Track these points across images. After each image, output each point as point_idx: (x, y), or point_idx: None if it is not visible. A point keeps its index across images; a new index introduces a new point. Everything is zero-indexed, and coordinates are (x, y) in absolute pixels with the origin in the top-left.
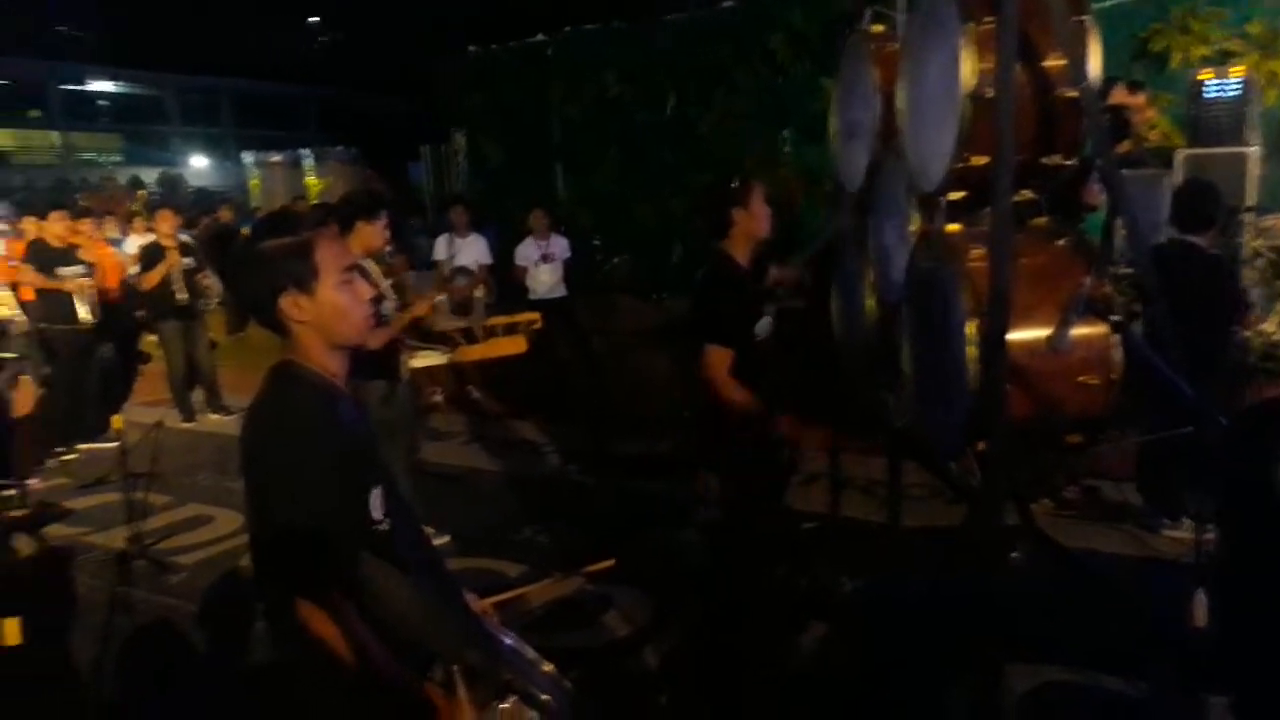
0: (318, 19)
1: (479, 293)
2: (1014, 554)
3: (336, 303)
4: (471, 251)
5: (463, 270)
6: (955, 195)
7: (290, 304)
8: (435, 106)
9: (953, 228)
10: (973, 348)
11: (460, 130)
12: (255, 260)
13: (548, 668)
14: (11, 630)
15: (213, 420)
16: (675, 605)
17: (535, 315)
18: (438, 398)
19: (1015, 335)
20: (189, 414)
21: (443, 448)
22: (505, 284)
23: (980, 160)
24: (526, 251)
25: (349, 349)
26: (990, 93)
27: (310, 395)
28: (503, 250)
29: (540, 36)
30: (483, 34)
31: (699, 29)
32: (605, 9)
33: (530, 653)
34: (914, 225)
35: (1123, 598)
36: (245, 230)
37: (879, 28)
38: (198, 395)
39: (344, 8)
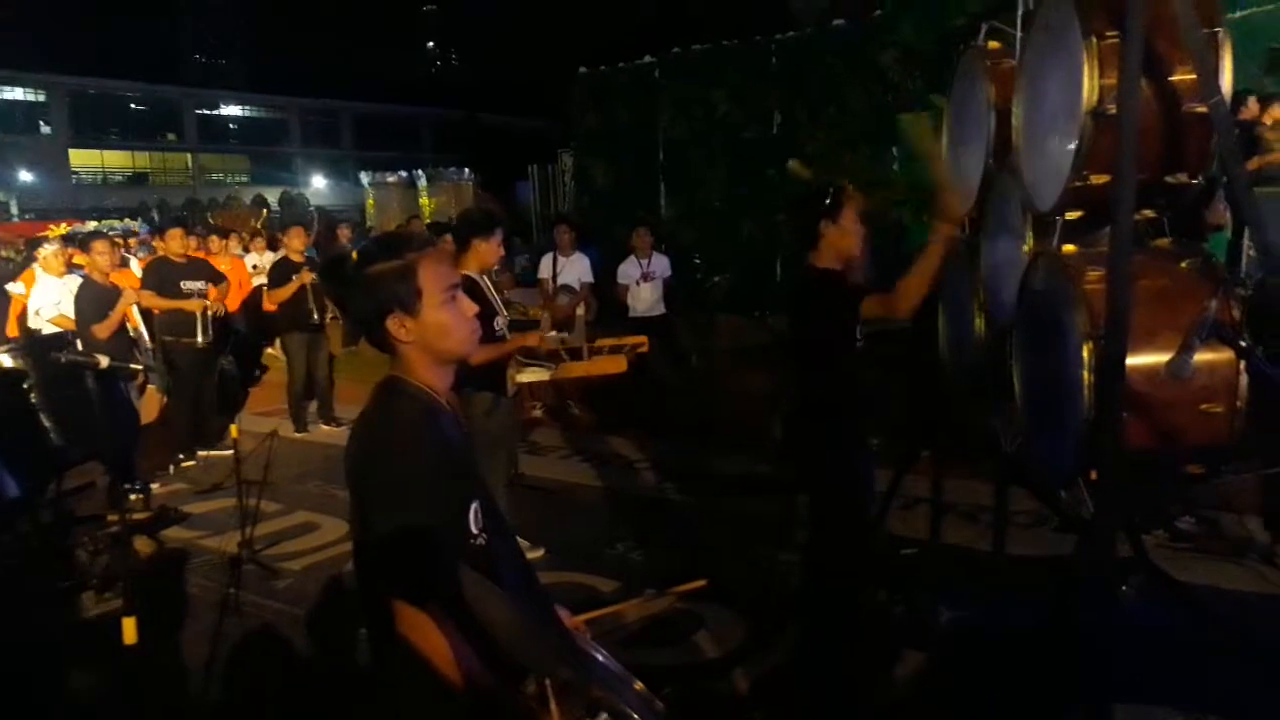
0: (434, 44)
1: (580, 310)
2: (1125, 588)
3: (440, 321)
4: (575, 270)
5: (565, 288)
6: (1072, 215)
7: (396, 325)
8: (545, 128)
9: (1069, 248)
10: (1088, 372)
11: (568, 150)
12: (361, 284)
13: (639, 686)
14: (130, 629)
15: (324, 431)
16: (769, 628)
17: (642, 339)
18: (537, 412)
19: (1134, 360)
20: (302, 425)
21: (540, 462)
22: (606, 302)
23: (1100, 179)
24: (628, 270)
25: (454, 364)
26: (1113, 109)
27: (414, 410)
28: (605, 269)
29: (649, 58)
30: (594, 57)
31: (810, 47)
32: (715, 30)
33: (622, 670)
34: (1028, 245)
35: (1241, 636)
36: (354, 252)
37: (995, 44)
38: (311, 407)
39: (461, 32)
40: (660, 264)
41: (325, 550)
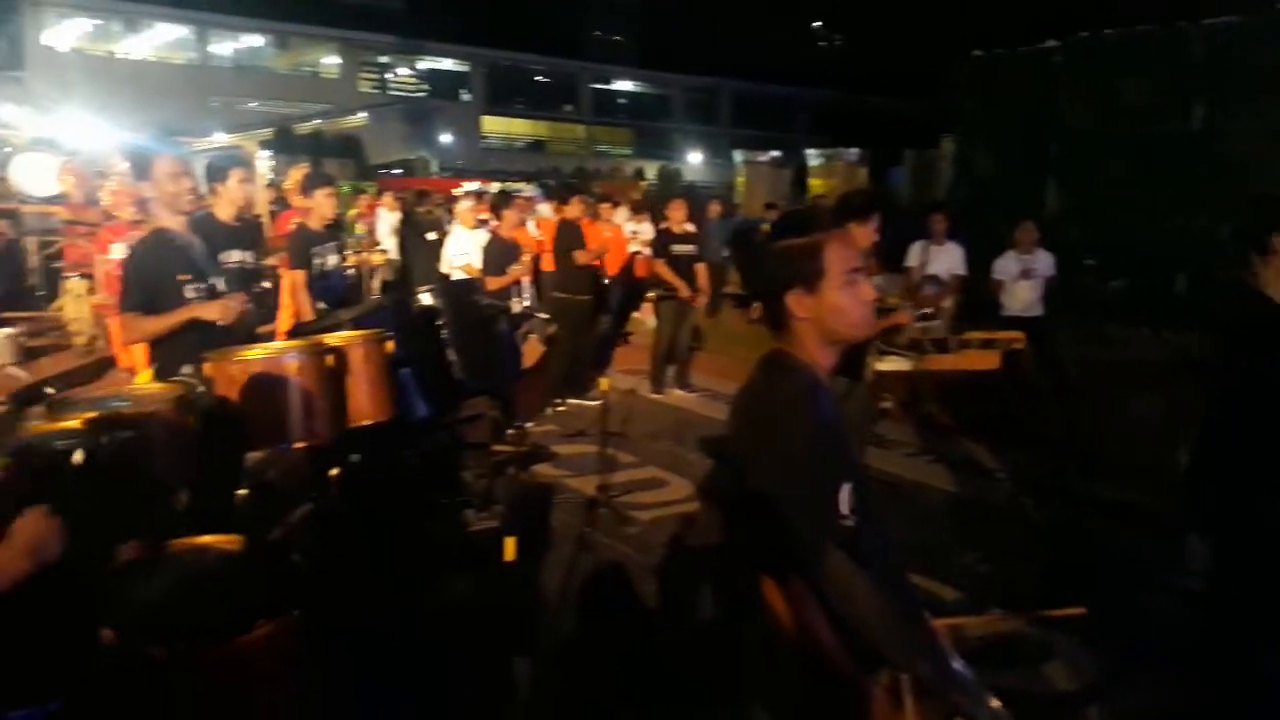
0: (821, 23)
1: (946, 303)
2: None
3: (838, 302)
4: (946, 260)
5: (933, 279)
6: None
7: (795, 301)
8: (926, 112)
9: None
10: None
11: (949, 136)
12: (768, 257)
13: (995, 703)
14: (510, 547)
15: (678, 395)
16: (1129, 670)
17: (1018, 335)
18: (887, 404)
19: None
20: (660, 387)
21: (887, 456)
22: (974, 296)
23: None
24: (1006, 265)
25: (841, 345)
26: None
27: (800, 385)
28: (973, 262)
29: (1050, 42)
30: (986, 40)
31: (1248, 34)
32: (1129, 13)
33: (977, 682)
34: None
35: None
36: (765, 227)
37: None
38: (670, 371)
39: (852, 12)
40: (1044, 261)
41: (672, 506)
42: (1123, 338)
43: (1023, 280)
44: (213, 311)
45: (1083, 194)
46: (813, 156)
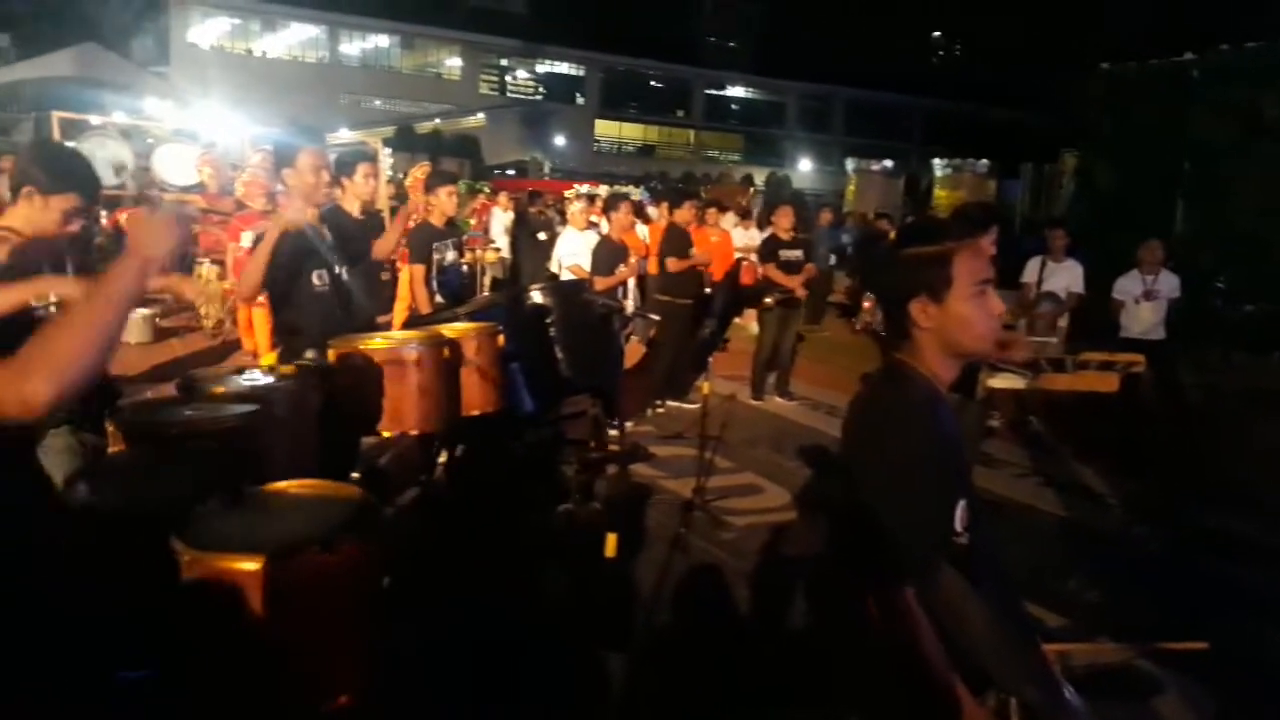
0: (940, 33)
1: (1062, 321)
2: None
3: (964, 314)
4: (1064, 277)
5: (1050, 296)
6: None
7: (919, 309)
8: (1048, 125)
9: None
10: None
11: (1072, 151)
12: (895, 264)
13: None
14: (611, 543)
15: (777, 403)
16: (1245, 712)
17: (1138, 357)
18: (995, 423)
19: None
20: (760, 394)
21: (993, 475)
22: (1092, 316)
23: None
24: (1129, 285)
25: (963, 359)
26: None
27: (920, 396)
28: (1091, 280)
29: (1187, 55)
30: (1114, 53)
31: None
32: (1274, 27)
33: (1087, 711)
34: None
35: None
36: (892, 234)
37: None
38: (770, 378)
39: (973, 22)
40: (1168, 283)
41: (767, 514)
42: (1249, 365)
43: (1145, 301)
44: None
45: (1215, 214)
46: (939, 167)
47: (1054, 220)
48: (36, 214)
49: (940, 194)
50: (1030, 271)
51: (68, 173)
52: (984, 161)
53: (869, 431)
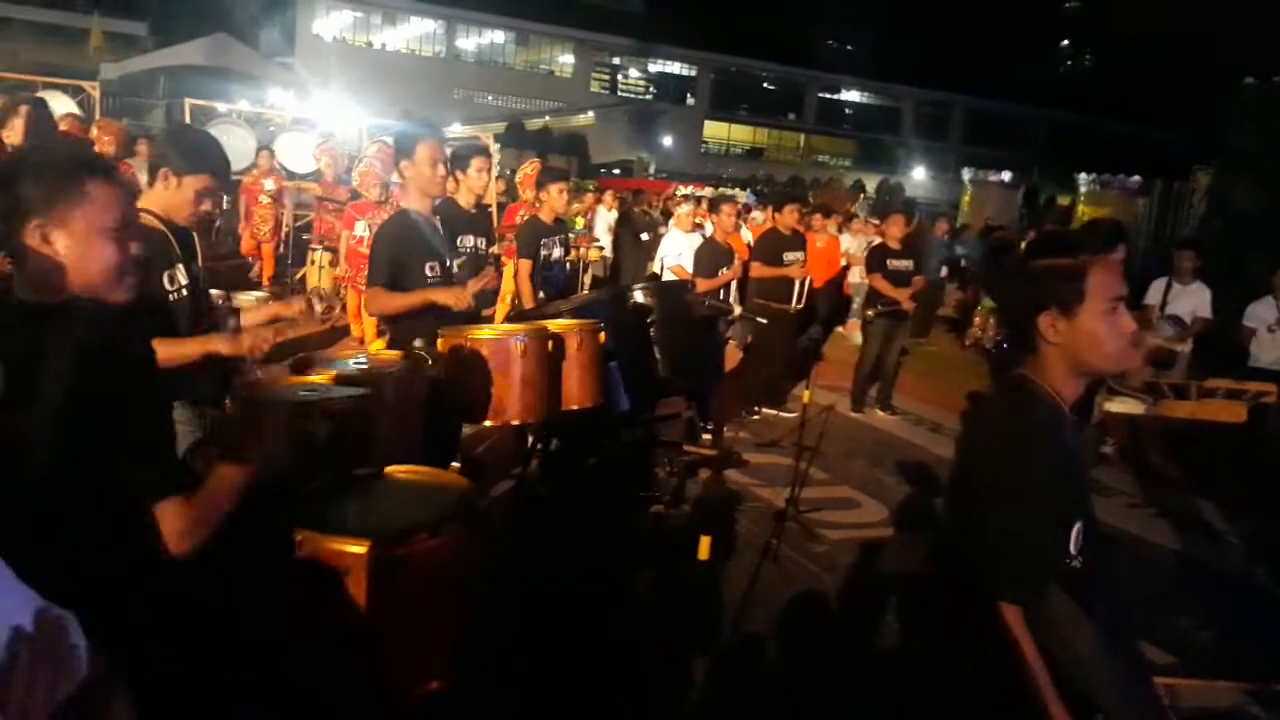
0: (1068, 42)
1: (1186, 347)
2: None
3: (1095, 331)
4: (1190, 301)
5: (1174, 319)
6: None
7: (1048, 323)
8: (1173, 140)
9: None
10: None
11: (1205, 168)
12: (1026, 275)
13: None
14: (705, 546)
15: (879, 416)
16: None
17: (1270, 387)
18: (1108, 449)
19: None
20: (860, 406)
21: (1105, 504)
22: (1219, 342)
23: None
24: (1261, 312)
25: (1089, 378)
26: None
27: (1045, 413)
28: (1219, 305)
29: None
30: (1259, 68)
31: None
32: None
33: None
34: None
35: None
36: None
37: None
38: (872, 390)
39: (1103, 32)
40: None
41: (863, 529)
42: None
43: (1279, 330)
44: (448, 297)
45: None
46: (1084, 182)
47: (1183, 240)
48: (172, 195)
49: (1084, 210)
50: (1154, 294)
51: (201, 154)
52: (1135, 178)
53: (989, 445)
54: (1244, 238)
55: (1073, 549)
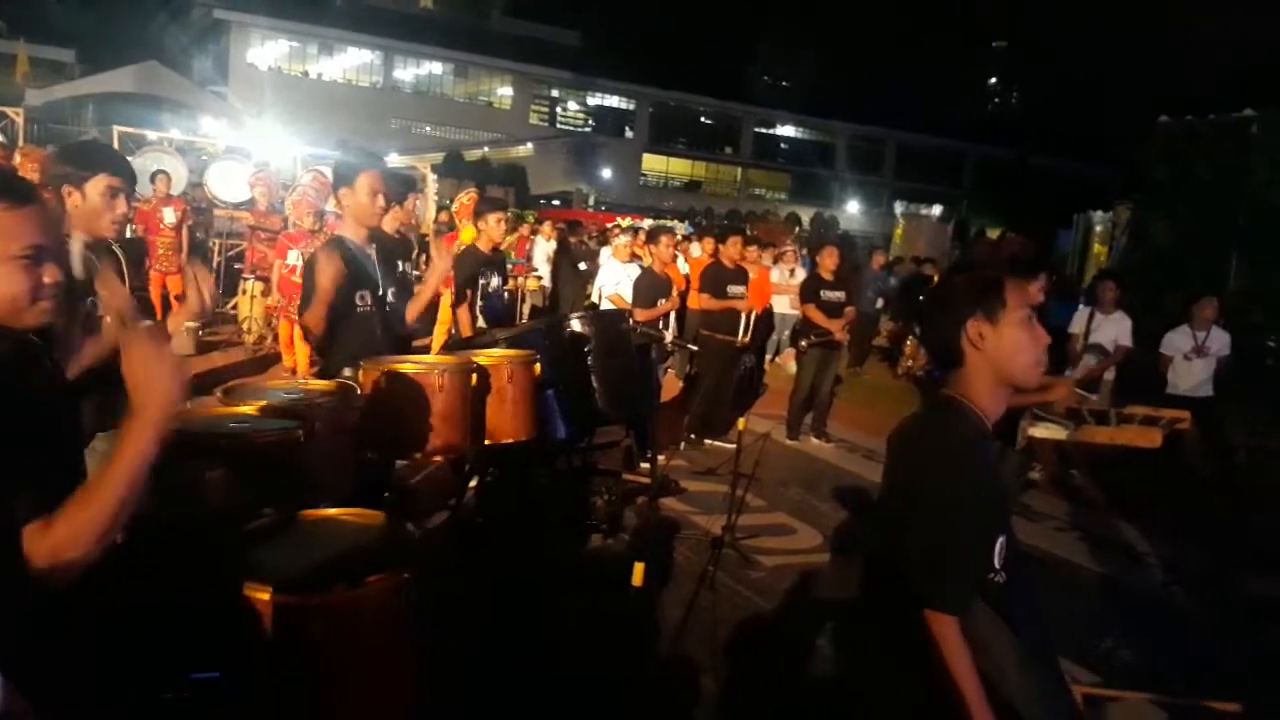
0: (995, 80)
1: (1109, 374)
2: None
3: (1016, 337)
4: (1112, 330)
5: (1097, 348)
6: None
7: (975, 330)
8: (1098, 176)
9: None
10: None
11: (1125, 203)
12: (953, 289)
13: None
14: (639, 573)
15: (814, 444)
16: None
17: (1184, 414)
18: (1035, 475)
19: None
20: (796, 434)
21: (1032, 528)
22: (1139, 370)
23: None
24: (1178, 341)
25: (1010, 390)
26: None
27: (972, 430)
28: (1139, 334)
29: (1248, 111)
30: (1173, 105)
31: None
32: None
33: None
34: None
35: None
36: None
37: None
38: (807, 419)
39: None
40: (1219, 340)
41: (798, 555)
42: None
43: (1196, 358)
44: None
45: (1270, 273)
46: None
47: (1105, 271)
48: (85, 210)
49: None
50: (1078, 322)
51: (89, 156)
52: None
53: (918, 462)
54: (1162, 269)
55: (996, 563)
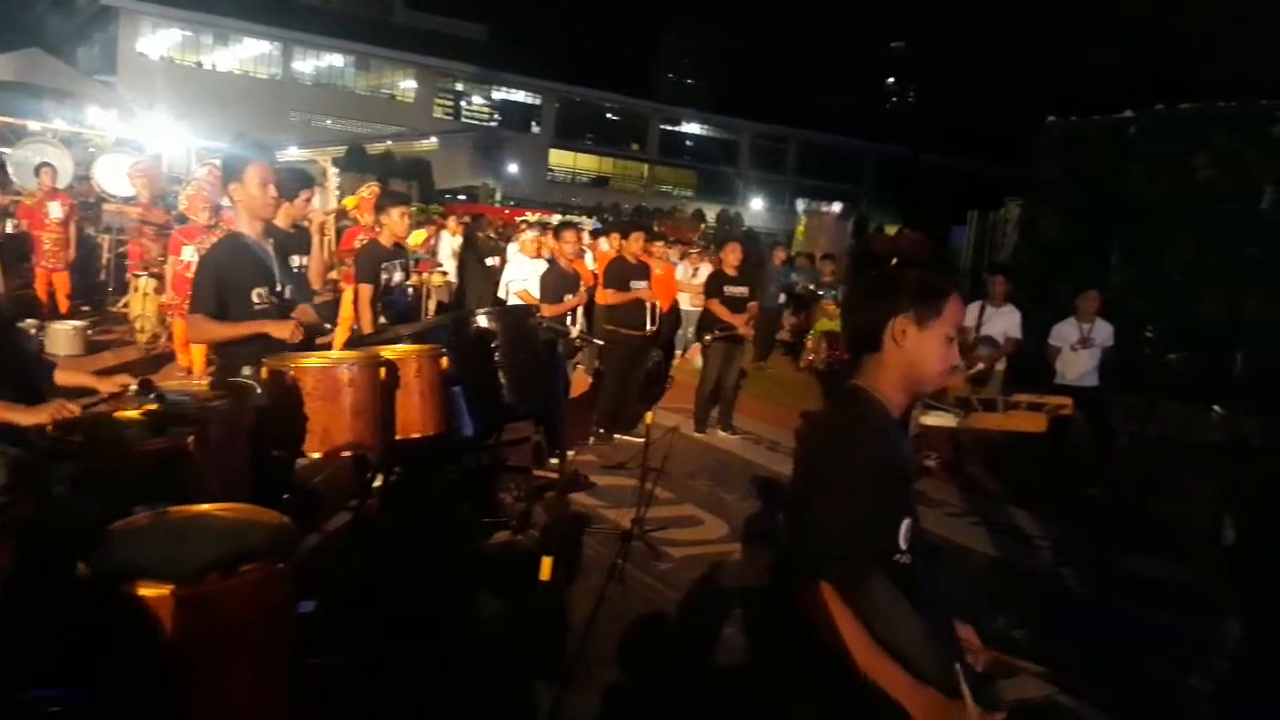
0: (894, 79)
1: (999, 365)
2: None
3: (935, 349)
4: (1002, 323)
5: (987, 340)
6: None
7: (900, 327)
8: (991, 173)
9: None
10: None
11: (1016, 200)
12: (897, 279)
13: None
14: (547, 567)
15: (720, 436)
16: None
17: (1066, 400)
18: (930, 463)
19: None
20: (702, 427)
21: (928, 515)
22: (1028, 361)
23: None
24: (1065, 332)
25: (913, 392)
26: None
27: (878, 416)
28: (1030, 327)
29: (1127, 113)
30: (1063, 106)
31: None
32: (1206, 90)
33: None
34: None
35: None
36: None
37: None
38: (714, 412)
39: (927, 71)
40: (1103, 331)
41: (705, 545)
42: (1178, 415)
43: (1081, 349)
44: (281, 330)
45: (1148, 266)
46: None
47: (995, 266)
48: None
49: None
50: (970, 315)
51: None
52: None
53: (822, 448)
54: (1049, 264)
55: (902, 544)
